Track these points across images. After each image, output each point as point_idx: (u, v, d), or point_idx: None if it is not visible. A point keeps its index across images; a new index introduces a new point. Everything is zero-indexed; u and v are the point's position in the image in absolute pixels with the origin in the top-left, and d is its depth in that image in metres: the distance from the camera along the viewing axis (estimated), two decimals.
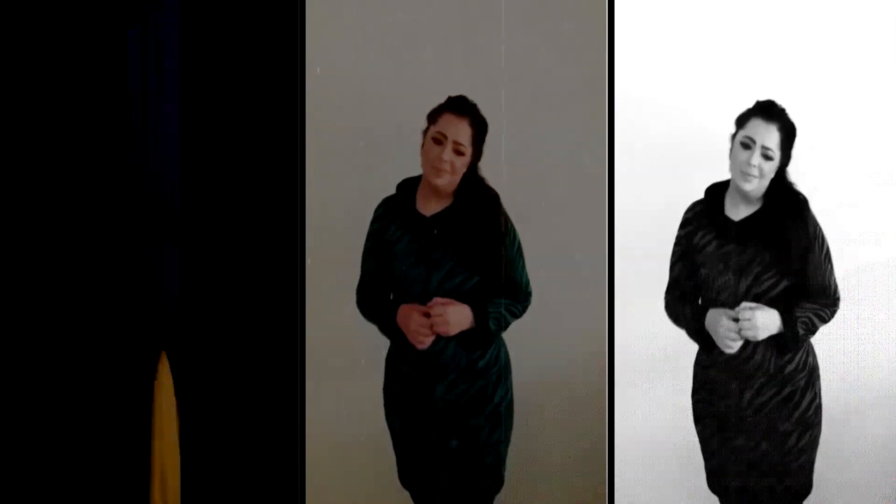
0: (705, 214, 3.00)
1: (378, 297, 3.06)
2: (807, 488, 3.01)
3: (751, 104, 2.96)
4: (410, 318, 2.98)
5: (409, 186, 3.06)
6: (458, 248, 3.00)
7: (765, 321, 2.90)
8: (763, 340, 2.91)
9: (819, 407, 2.99)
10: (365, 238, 3.11)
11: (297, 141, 3.21)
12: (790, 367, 2.95)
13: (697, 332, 2.97)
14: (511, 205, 3.07)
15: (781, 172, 2.92)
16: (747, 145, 2.90)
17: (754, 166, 2.88)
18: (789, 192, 2.93)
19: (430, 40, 3.17)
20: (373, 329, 3.10)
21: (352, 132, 3.19)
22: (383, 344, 3.10)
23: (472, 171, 3.02)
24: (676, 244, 3.04)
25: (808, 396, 2.97)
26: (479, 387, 3.03)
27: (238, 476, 3.26)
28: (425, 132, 3.02)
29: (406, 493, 3.11)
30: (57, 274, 3.65)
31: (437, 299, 2.99)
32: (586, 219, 3.11)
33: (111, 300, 3.58)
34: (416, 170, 3.07)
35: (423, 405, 3.02)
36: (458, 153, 2.98)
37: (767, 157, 2.89)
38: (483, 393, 3.03)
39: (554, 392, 3.12)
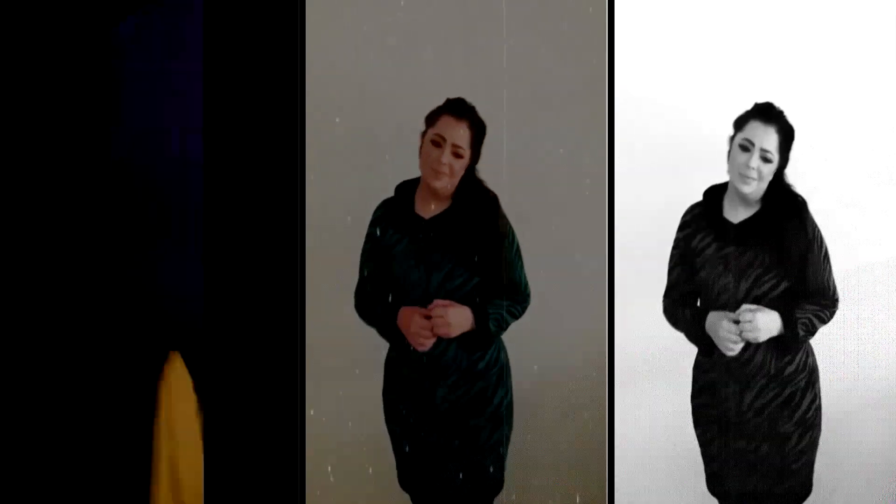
0: (704, 217, 2.99)
1: (377, 301, 3.06)
2: (807, 490, 3.01)
3: (751, 103, 2.95)
4: (411, 320, 2.98)
5: (407, 189, 3.06)
6: (458, 250, 3.00)
7: (766, 323, 2.90)
8: (763, 342, 2.91)
9: (819, 408, 2.99)
10: (363, 240, 3.11)
11: (297, 141, 3.21)
12: (790, 369, 2.95)
13: (697, 334, 2.97)
14: (511, 205, 3.06)
15: (780, 174, 2.92)
16: (746, 148, 2.89)
17: (753, 169, 2.88)
18: (788, 193, 2.93)
19: (429, 40, 3.17)
20: (373, 330, 3.10)
21: (352, 132, 3.19)
22: (383, 344, 3.10)
23: (471, 173, 3.01)
24: (675, 247, 3.03)
25: (809, 397, 2.97)
26: (479, 388, 3.03)
27: (238, 476, 3.27)
28: (423, 134, 3.01)
29: (406, 496, 3.12)
30: (56, 276, 3.65)
31: (438, 301, 2.99)
32: (586, 219, 3.11)
33: (114, 302, 3.58)
34: (417, 169, 3.07)
35: (424, 407, 3.03)
36: (457, 156, 2.97)
37: (766, 160, 2.89)
38: (483, 394, 3.03)
39: (554, 393, 3.12)
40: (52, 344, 3.62)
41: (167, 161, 3.47)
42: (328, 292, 3.19)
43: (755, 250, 2.92)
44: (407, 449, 3.08)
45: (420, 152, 3.02)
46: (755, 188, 2.90)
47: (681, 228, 3.03)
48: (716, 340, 2.93)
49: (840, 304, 2.98)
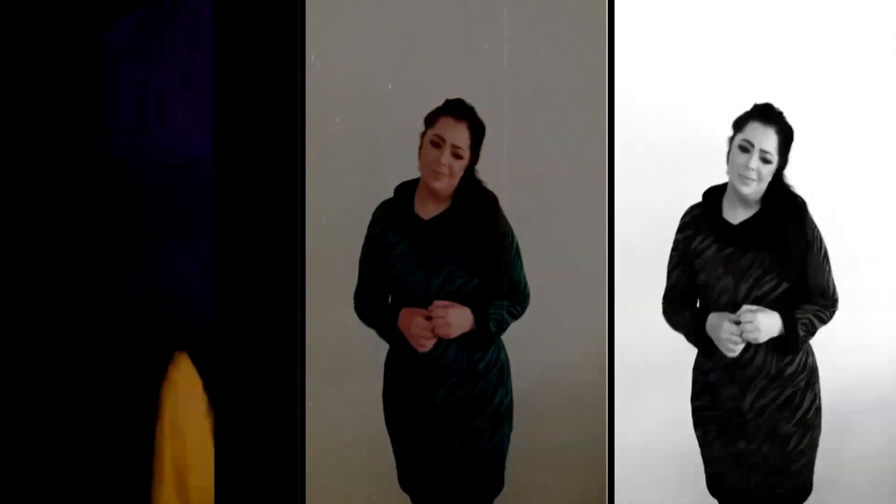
0: (704, 218, 2.99)
1: (377, 302, 3.07)
2: (807, 490, 3.01)
3: (751, 103, 2.95)
4: (412, 321, 2.98)
5: (406, 190, 3.06)
6: (458, 251, 3.00)
7: (766, 323, 2.90)
8: (763, 343, 2.91)
9: (819, 408, 3.00)
10: (363, 240, 3.11)
11: (297, 141, 3.21)
12: (791, 369, 2.95)
13: (697, 336, 2.97)
14: (511, 205, 3.06)
15: (779, 175, 2.91)
16: (745, 149, 2.89)
17: (753, 170, 2.88)
18: (787, 194, 2.93)
19: (429, 41, 3.17)
20: (373, 330, 3.10)
21: (352, 132, 3.19)
22: (383, 345, 3.10)
23: (470, 174, 3.01)
24: (674, 249, 3.03)
25: (809, 398, 2.97)
26: (479, 389, 3.03)
27: (238, 476, 3.27)
28: (423, 135, 3.01)
29: (406, 496, 3.12)
30: (57, 278, 3.66)
31: (438, 302, 2.99)
32: (586, 219, 3.11)
33: (116, 303, 3.59)
34: (417, 170, 3.07)
35: (425, 409, 3.03)
36: (457, 156, 2.97)
37: (766, 161, 2.88)
38: (484, 395, 3.03)
39: (554, 393, 3.12)
40: (56, 346, 3.63)
41: (168, 161, 3.47)
42: (328, 292, 3.19)
43: (755, 251, 2.92)
44: (407, 450, 3.08)
45: (419, 153, 3.02)
46: (755, 189, 2.90)
47: (680, 230, 3.03)
48: (717, 342, 2.93)
49: (840, 304, 2.98)
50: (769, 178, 2.91)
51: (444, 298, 2.99)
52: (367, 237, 3.08)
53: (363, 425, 3.16)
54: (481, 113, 3.04)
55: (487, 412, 3.03)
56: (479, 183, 3.03)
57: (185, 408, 3.37)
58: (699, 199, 3.03)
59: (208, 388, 3.29)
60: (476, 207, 3.01)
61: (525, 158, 3.11)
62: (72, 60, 3.57)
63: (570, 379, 3.12)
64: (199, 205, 3.37)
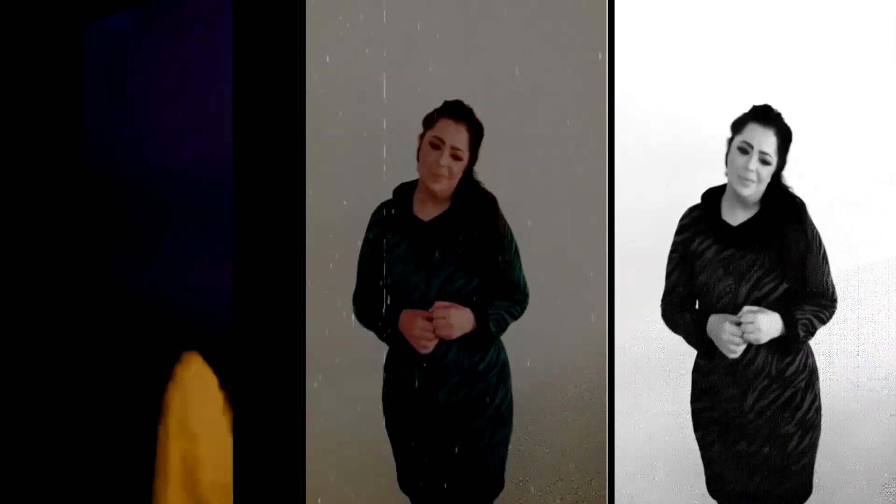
0: (703, 220, 2.99)
1: (376, 304, 3.07)
2: (807, 491, 3.01)
3: (754, 97, 2.95)
4: (413, 323, 2.99)
5: (405, 191, 3.06)
6: (458, 252, 3.00)
7: (767, 324, 2.90)
8: (764, 344, 2.92)
9: (819, 408, 3.00)
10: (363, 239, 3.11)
11: (297, 141, 3.21)
12: (791, 369, 2.95)
13: (698, 338, 2.97)
14: (511, 206, 3.06)
15: (777, 176, 2.92)
16: (745, 150, 2.89)
17: (752, 171, 2.88)
18: (787, 195, 2.93)
19: (429, 40, 3.17)
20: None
21: (352, 133, 3.19)
22: (384, 345, 3.10)
23: (468, 175, 3.02)
24: (673, 250, 3.03)
25: (809, 398, 2.97)
26: (479, 389, 3.03)
27: (238, 476, 3.27)
28: (421, 137, 3.01)
29: (406, 498, 3.12)
30: (59, 280, 3.66)
31: (439, 303, 2.99)
32: (586, 219, 3.11)
33: (117, 305, 3.59)
34: (415, 171, 3.07)
35: (425, 410, 3.03)
36: (456, 158, 2.98)
37: (765, 162, 2.89)
38: (484, 395, 3.04)
39: (554, 394, 3.12)
40: (57, 349, 3.63)
41: (166, 162, 3.47)
42: (328, 292, 3.19)
43: (755, 252, 2.93)
44: (407, 451, 3.09)
45: (418, 155, 3.02)
46: (754, 190, 2.90)
47: (679, 231, 3.03)
48: (718, 343, 2.93)
49: (840, 304, 2.98)
50: (768, 180, 2.91)
51: (444, 299, 2.99)
52: (366, 239, 3.08)
53: (363, 426, 3.16)
54: (481, 113, 3.04)
55: (488, 413, 3.04)
56: (477, 184, 3.03)
57: (196, 406, 3.37)
58: (699, 199, 3.03)
59: (223, 386, 3.29)
60: (475, 208, 3.01)
61: (525, 159, 3.11)
62: (53, 57, 3.57)
63: (569, 379, 3.11)
64: (198, 205, 3.37)
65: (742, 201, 2.94)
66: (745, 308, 2.91)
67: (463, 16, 3.15)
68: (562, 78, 3.11)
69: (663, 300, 3.05)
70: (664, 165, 3.10)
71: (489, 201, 3.02)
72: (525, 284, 3.07)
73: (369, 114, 3.17)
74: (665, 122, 3.08)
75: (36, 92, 3.68)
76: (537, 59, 3.11)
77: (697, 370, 3.03)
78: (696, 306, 3.02)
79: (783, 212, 2.92)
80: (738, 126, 2.93)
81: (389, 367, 3.09)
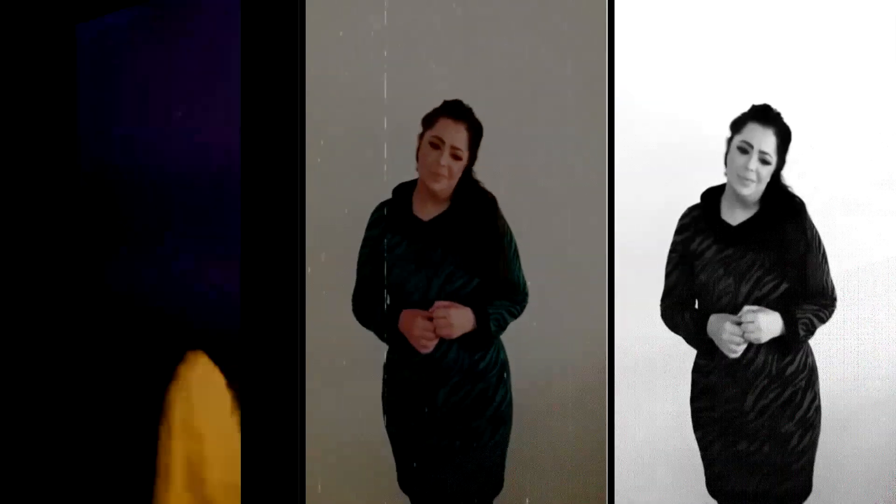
0: (702, 219, 2.99)
1: (376, 304, 3.07)
2: (806, 490, 3.01)
3: (754, 96, 2.95)
4: (413, 323, 2.99)
5: (404, 191, 3.07)
6: (458, 252, 3.01)
7: (767, 324, 2.90)
8: (764, 343, 2.92)
9: (819, 407, 3.00)
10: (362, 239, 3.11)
11: (297, 140, 3.21)
12: (791, 369, 2.95)
13: (698, 337, 2.97)
14: (511, 205, 3.07)
15: (776, 175, 2.92)
16: (745, 150, 2.89)
17: (752, 171, 2.88)
18: (786, 195, 2.93)
19: (429, 40, 3.17)
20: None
21: (351, 133, 3.19)
22: (384, 345, 3.10)
23: (468, 175, 3.02)
24: (672, 250, 3.03)
25: (809, 397, 2.97)
26: (480, 389, 3.04)
27: (245, 478, 3.27)
28: (421, 136, 3.02)
29: (406, 497, 3.12)
30: (61, 281, 3.66)
31: (440, 303, 3.00)
32: (586, 219, 3.10)
33: (119, 305, 3.59)
34: (415, 171, 3.07)
35: (426, 410, 3.03)
36: (456, 157, 2.98)
37: (765, 162, 2.89)
38: (484, 394, 3.04)
39: (554, 393, 3.12)
40: (61, 349, 3.63)
41: (165, 162, 3.47)
42: (328, 292, 3.19)
43: (755, 252, 2.93)
44: (407, 451, 3.09)
45: (417, 154, 3.02)
46: (754, 190, 2.91)
47: (679, 231, 3.03)
48: (718, 343, 2.93)
49: (840, 304, 2.98)
50: (768, 179, 2.91)
51: (444, 299, 3.00)
52: (366, 239, 3.09)
53: (363, 426, 3.16)
54: (481, 113, 3.04)
55: (488, 412, 3.04)
56: (476, 183, 3.03)
57: (202, 406, 3.37)
58: (699, 199, 3.03)
59: (231, 385, 3.30)
60: (475, 208, 3.01)
61: (525, 158, 3.11)
62: (46, 55, 3.57)
63: (569, 379, 3.11)
64: (199, 205, 3.37)
65: (742, 201, 2.94)
66: (746, 308, 2.92)
67: (463, 16, 3.15)
68: (562, 78, 3.11)
69: (663, 300, 3.05)
70: (664, 165, 3.10)
71: (489, 201, 3.02)
72: (525, 284, 3.07)
73: (369, 113, 3.17)
74: (665, 122, 3.08)
75: (28, 90, 3.68)
76: (537, 59, 3.11)
77: (697, 370, 3.03)
78: (696, 306, 3.02)
79: (783, 211, 2.93)
80: (737, 126, 2.93)
81: (389, 367, 3.09)
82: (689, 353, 3.05)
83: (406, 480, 3.10)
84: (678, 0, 3.08)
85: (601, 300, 3.08)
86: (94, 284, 3.65)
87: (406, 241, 3.03)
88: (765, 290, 2.92)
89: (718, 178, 3.01)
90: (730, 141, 2.94)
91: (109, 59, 3.61)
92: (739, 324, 2.90)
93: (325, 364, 3.20)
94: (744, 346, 2.92)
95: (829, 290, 2.96)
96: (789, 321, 2.91)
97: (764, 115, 2.90)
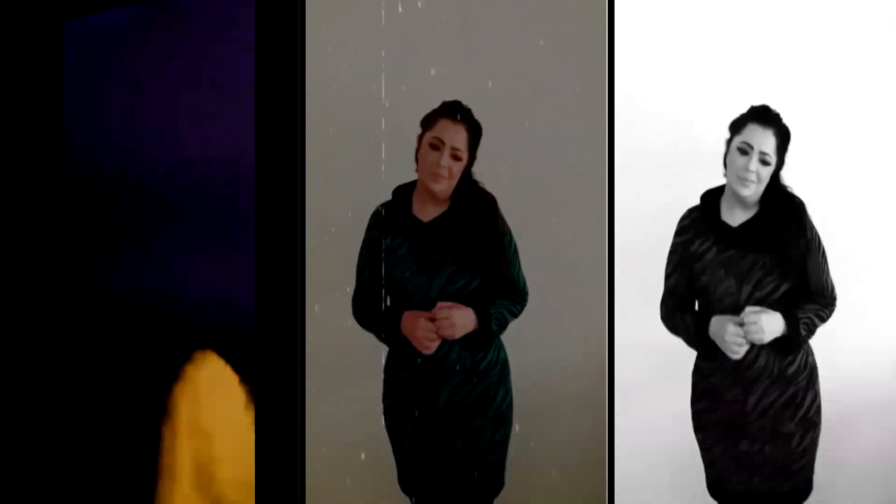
0: (702, 221, 2.99)
1: (376, 306, 3.07)
2: (807, 490, 3.02)
3: (753, 97, 2.95)
4: (416, 324, 2.99)
5: (404, 192, 3.07)
6: (459, 253, 3.01)
7: (770, 324, 2.91)
8: (765, 344, 2.92)
9: (819, 406, 3.00)
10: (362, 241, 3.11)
11: (297, 140, 3.21)
12: (792, 369, 2.96)
13: (699, 339, 2.97)
14: (511, 205, 3.07)
15: (776, 176, 2.92)
16: (745, 151, 2.90)
17: (752, 172, 2.88)
18: (785, 195, 2.94)
19: (429, 40, 3.16)
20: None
21: (351, 133, 3.19)
22: (384, 345, 3.10)
23: (467, 175, 3.02)
24: (672, 252, 3.03)
25: (810, 397, 2.98)
26: (481, 389, 3.04)
27: (259, 475, 3.27)
28: (420, 137, 3.02)
29: (406, 499, 3.13)
30: (64, 281, 3.65)
31: (442, 303, 3.00)
32: (586, 219, 3.11)
33: (120, 305, 3.58)
34: (414, 172, 3.07)
35: (427, 410, 3.04)
36: (456, 158, 2.98)
37: (765, 162, 2.89)
38: (486, 394, 3.04)
39: (553, 393, 3.12)
40: (62, 350, 3.63)
41: (162, 162, 3.47)
42: (328, 293, 3.19)
43: (756, 253, 2.93)
44: (408, 452, 3.09)
45: (417, 155, 3.02)
46: (754, 191, 2.91)
47: (678, 233, 3.03)
48: (721, 344, 2.94)
49: (840, 304, 2.98)
50: (767, 180, 2.91)
51: (445, 300, 3.00)
52: (365, 241, 3.09)
53: (363, 426, 3.16)
54: (481, 113, 3.04)
55: (489, 411, 3.04)
56: (476, 184, 3.04)
57: (211, 405, 3.37)
58: (699, 199, 3.03)
59: (244, 382, 3.30)
60: (475, 208, 3.02)
61: (525, 159, 3.11)
62: (33, 53, 3.56)
63: (569, 379, 3.11)
64: (199, 206, 3.37)
65: (741, 202, 2.94)
66: (748, 308, 2.92)
67: (462, 16, 3.15)
68: (562, 78, 3.10)
69: (663, 303, 3.05)
70: (664, 165, 3.10)
71: (489, 201, 3.02)
72: (524, 283, 3.07)
73: (368, 114, 3.17)
74: (665, 122, 3.08)
75: (14, 88, 3.67)
76: (537, 59, 3.11)
77: (698, 372, 3.03)
78: (696, 308, 3.02)
79: (783, 212, 2.93)
80: (737, 126, 2.93)
81: (390, 368, 3.09)
82: (689, 353, 3.05)
83: (407, 481, 3.11)
84: (678, 0, 3.08)
85: (601, 300, 3.08)
86: (94, 285, 3.65)
87: (407, 242, 3.03)
88: (766, 290, 2.92)
89: (718, 178, 3.01)
90: (729, 142, 2.94)
91: (98, 58, 3.61)
92: (742, 325, 2.90)
93: (325, 364, 3.20)
94: (746, 348, 2.92)
95: (830, 289, 2.97)
96: (791, 321, 2.91)
97: (763, 115, 2.90)
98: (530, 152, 3.10)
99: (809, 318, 2.93)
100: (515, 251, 3.05)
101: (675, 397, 3.07)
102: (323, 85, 3.21)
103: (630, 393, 3.08)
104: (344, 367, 3.18)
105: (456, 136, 2.97)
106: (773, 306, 2.92)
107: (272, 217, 3.23)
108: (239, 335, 3.29)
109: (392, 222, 3.05)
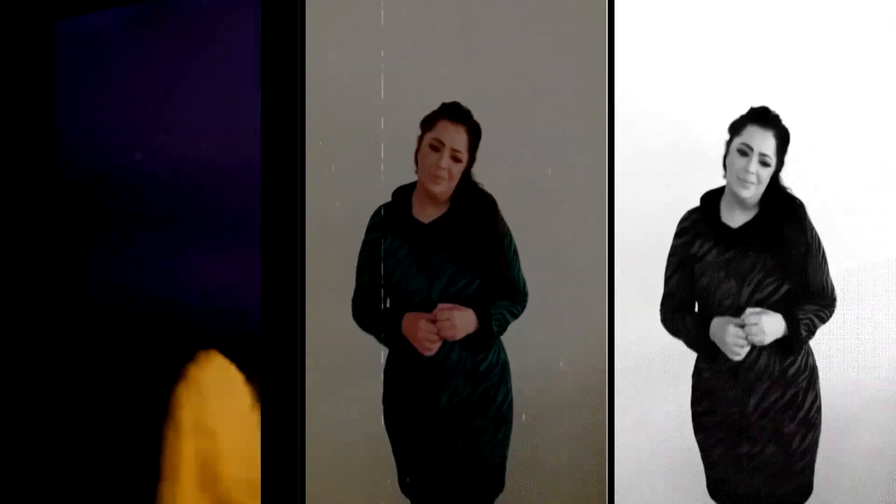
0: (702, 222, 2.99)
1: (377, 308, 3.07)
2: (807, 491, 3.02)
3: (752, 99, 2.95)
4: (417, 325, 2.99)
5: (403, 194, 3.07)
6: (459, 254, 3.01)
7: (771, 325, 2.91)
8: (766, 345, 2.92)
9: (819, 407, 3.00)
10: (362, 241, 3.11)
11: (296, 141, 3.21)
12: (793, 370, 2.96)
13: (699, 341, 2.97)
14: (511, 206, 3.07)
15: (775, 177, 2.92)
16: (745, 152, 2.90)
17: (752, 173, 2.88)
18: (785, 196, 2.93)
19: (428, 40, 3.16)
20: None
21: (351, 134, 3.19)
22: (384, 346, 3.11)
23: (467, 176, 3.02)
24: (672, 254, 3.03)
25: (810, 397, 2.98)
26: (482, 389, 3.04)
27: (266, 473, 3.27)
28: (420, 139, 3.02)
29: (406, 500, 3.13)
30: (66, 282, 3.65)
31: (443, 305, 3.00)
32: (586, 219, 3.10)
33: (120, 306, 3.58)
34: (413, 173, 3.07)
35: (428, 412, 3.04)
36: (456, 160, 2.98)
37: (764, 164, 2.89)
38: (486, 395, 3.05)
39: (553, 394, 3.12)
40: (63, 351, 3.63)
41: (169, 163, 3.46)
42: (328, 293, 3.19)
43: (756, 254, 2.93)
44: (409, 453, 3.09)
45: (417, 156, 3.02)
46: (754, 192, 2.91)
47: (678, 235, 3.03)
48: (722, 346, 2.94)
49: (840, 304, 2.98)
50: (767, 181, 2.91)
51: (446, 301, 3.00)
52: (365, 243, 3.09)
53: (363, 427, 3.17)
54: (481, 113, 3.04)
55: (490, 412, 3.05)
56: (476, 185, 3.04)
57: (216, 403, 3.37)
58: (699, 199, 3.03)
59: (250, 381, 3.30)
60: (475, 209, 3.02)
61: (525, 159, 3.11)
62: (26, 51, 3.55)
63: (569, 379, 3.11)
64: (198, 207, 3.37)
65: (741, 203, 2.94)
66: (749, 310, 2.92)
67: (462, 16, 3.15)
68: (562, 78, 3.10)
69: (663, 305, 3.05)
70: (664, 165, 3.09)
71: (488, 203, 3.03)
72: (524, 284, 3.07)
73: (368, 114, 3.17)
74: (665, 123, 3.08)
75: (6, 87, 3.66)
76: (537, 59, 3.11)
77: (698, 374, 3.03)
78: (696, 310, 3.01)
79: (783, 213, 2.93)
80: (736, 128, 2.93)
81: (390, 369, 3.09)
82: (689, 353, 3.05)
83: (407, 482, 3.11)
84: (678, 1, 3.07)
85: (601, 300, 3.08)
86: (95, 286, 3.65)
87: (407, 244, 3.03)
88: (766, 291, 2.92)
89: (719, 179, 3.01)
90: (729, 143, 2.94)
91: (92, 57, 3.60)
92: (743, 326, 2.90)
93: (325, 364, 3.20)
94: (747, 349, 2.92)
95: (829, 290, 2.97)
96: (791, 322, 2.91)
97: (763, 117, 2.90)
98: (530, 152, 3.10)
99: (810, 318, 2.93)
100: (515, 252, 3.05)
101: (676, 397, 3.07)
102: (323, 85, 3.20)
103: (630, 394, 3.08)
104: (344, 367, 3.18)
105: (456, 137, 2.97)
106: (774, 307, 2.92)
107: (272, 217, 3.22)
108: (240, 335, 3.29)
109: (392, 224, 3.05)
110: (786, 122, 2.92)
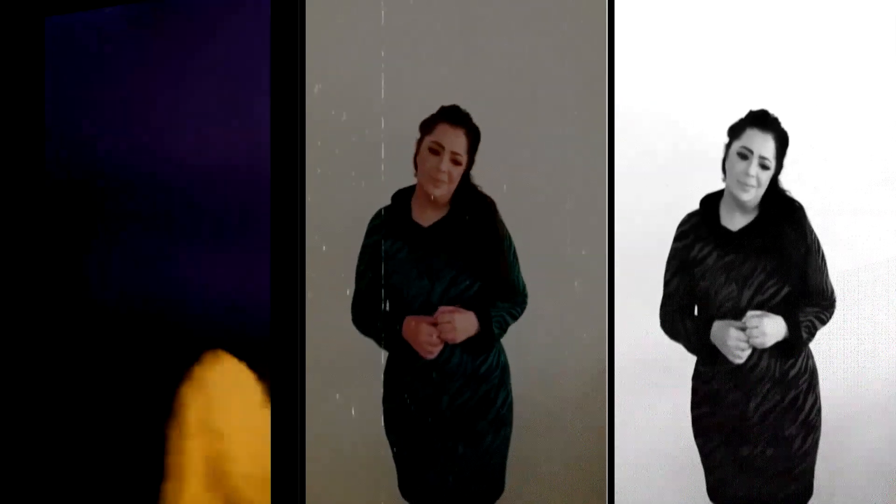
0: (702, 226, 2.99)
1: (377, 311, 3.07)
2: (808, 492, 3.02)
3: (751, 102, 2.94)
4: (419, 329, 2.99)
5: (403, 197, 3.06)
6: (459, 257, 3.01)
7: (772, 328, 2.91)
8: (767, 348, 2.92)
9: (819, 409, 3.00)
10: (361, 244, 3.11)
11: (297, 142, 3.21)
12: (793, 372, 2.96)
13: (700, 344, 2.97)
14: (511, 207, 3.06)
15: (774, 180, 2.92)
16: (744, 156, 2.89)
17: (752, 176, 2.88)
18: (784, 199, 2.93)
19: (428, 41, 3.16)
20: None
21: (351, 135, 3.19)
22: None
23: (466, 179, 3.02)
24: (672, 257, 3.03)
25: (811, 399, 2.98)
26: (483, 392, 3.05)
27: (276, 470, 3.28)
28: (419, 142, 3.01)
29: (406, 503, 3.13)
30: (69, 282, 3.65)
31: (444, 308, 3.00)
32: (586, 221, 3.10)
33: (120, 307, 3.58)
34: (412, 175, 3.07)
35: (428, 415, 3.04)
36: (456, 163, 2.98)
37: (764, 167, 2.89)
38: (487, 397, 3.05)
39: (554, 395, 3.12)
40: (64, 352, 3.63)
41: (172, 163, 3.46)
42: (328, 293, 3.19)
43: (756, 257, 2.93)
44: (409, 456, 3.09)
45: (416, 159, 3.02)
46: (754, 195, 2.91)
47: (678, 238, 3.02)
48: (723, 349, 2.94)
49: (840, 304, 2.98)
50: (767, 184, 2.91)
51: (447, 304, 3.00)
52: (364, 247, 3.09)
53: (363, 429, 3.17)
54: (480, 114, 3.04)
55: (490, 414, 3.05)
56: (475, 188, 3.04)
57: (224, 403, 3.37)
58: (699, 200, 3.03)
59: (262, 380, 3.30)
60: (474, 212, 3.01)
61: (524, 159, 3.10)
62: (13, 48, 3.54)
63: (569, 381, 3.11)
64: (197, 207, 3.37)
65: (741, 206, 2.94)
66: (750, 313, 2.92)
67: (462, 16, 3.14)
68: (562, 78, 3.10)
69: (662, 308, 3.05)
70: (664, 166, 3.09)
71: (488, 205, 3.03)
72: (524, 286, 3.07)
73: (368, 115, 3.17)
74: (665, 123, 3.08)
75: None
76: (537, 59, 3.10)
77: (698, 377, 3.03)
78: (696, 313, 3.01)
79: (782, 215, 2.93)
80: (735, 131, 2.93)
81: (390, 372, 3.10)
82: (688, 354, 3.05)
83: (407, 485, 3.11)
84: (678, 2, 3.07)
85: (601, 301, 3.08)
86: (96, 286, 3.65)
87: (407, 247, 3.03)
88: (767, 294, 2.92)
89: (718, 179, 3.01)
90: (728, 147, 2.93)
91: (82, 55, 3.59)
92: (744, 329, 2.91)
93: (325, 366, 3.20)
94: (748, 352, 2.92)
95: (829, 291, 2.97)
96: (792, 324, 2.92)
97: (763, 120, 2.90)
98: (530, 153, 3.10)
99: (810, 320, 2.93)
100: (515, 254, 3.05)
101: (676, 398, 3.07)
102: (323, 86, 3.20)
103: (630, 396, 3.08)
104: (344, 368, 3.18)
105: (455, 140, 2.97)
106: (775, 310, 2.93)
107: (273, 218, 3.22)
108: (244, 335, 3.29)
109: (392, 227, 3.05)
110: (785, 122, 2.91)
